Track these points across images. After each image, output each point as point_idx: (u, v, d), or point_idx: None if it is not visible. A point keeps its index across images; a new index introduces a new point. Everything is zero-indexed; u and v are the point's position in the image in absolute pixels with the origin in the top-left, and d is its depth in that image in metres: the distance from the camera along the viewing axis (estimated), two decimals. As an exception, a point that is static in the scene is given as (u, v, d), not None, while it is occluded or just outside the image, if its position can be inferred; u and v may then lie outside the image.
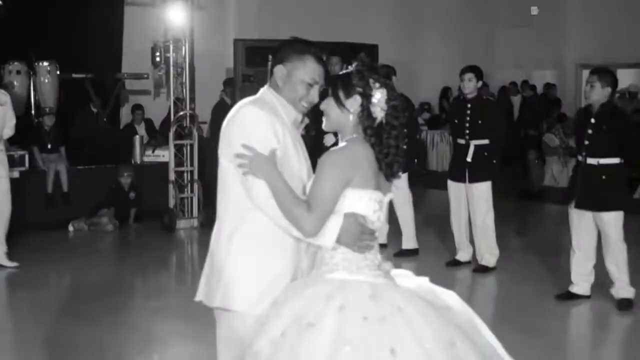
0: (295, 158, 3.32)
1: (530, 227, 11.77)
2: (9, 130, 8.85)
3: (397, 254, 8.94)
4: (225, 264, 3.26)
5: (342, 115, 3.24)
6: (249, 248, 3.24)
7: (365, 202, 3.16)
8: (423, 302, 3.09)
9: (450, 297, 3.26)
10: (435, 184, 13.47)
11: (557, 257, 8.75)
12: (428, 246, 9.47)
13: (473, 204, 8.34)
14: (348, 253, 3.15)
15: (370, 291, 3.03)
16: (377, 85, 3.16)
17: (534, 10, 19.91)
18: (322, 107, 3.32)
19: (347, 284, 3.07)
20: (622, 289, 7.01)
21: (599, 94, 6.83)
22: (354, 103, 3.19)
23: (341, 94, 3.22)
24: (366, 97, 3.16)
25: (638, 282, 7.10)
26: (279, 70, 3.37)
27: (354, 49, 11.39)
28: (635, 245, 7.19)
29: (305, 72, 3.32)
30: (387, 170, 3.17)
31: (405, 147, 3.23)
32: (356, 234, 3.13)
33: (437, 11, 18.79)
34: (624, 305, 6.98)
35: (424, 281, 3.32)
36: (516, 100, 18.09)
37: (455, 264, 8.56)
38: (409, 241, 9.09)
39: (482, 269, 8.34)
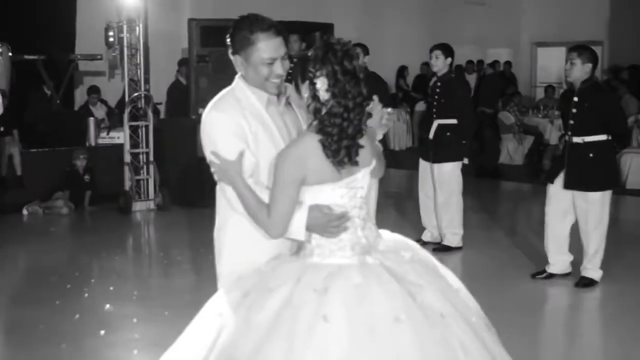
0: (271, 141, 3.28)
1: (489, 204, 11.86)
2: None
3: None
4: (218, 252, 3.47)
5: (301, 102, 3.21)
6: (237, 238, 3.35)
7: (326, 193, 3.16)
8: (391, 279, 3.07)
9: (449, 274, 3.37)
10: (394, 163, 13.50)
11: (520, 234, 8.82)
12: (386, 224, 9.46)
13: (436, 182, 8.30)
14: (320, 239, 3.17)
15: (330, 270, 3.06)
16: (319, 72, 3.10)
17: (489, -12, 20.01)
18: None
19: (313, 266, 3.12)
20: (592, 269, 7.01)
21: (579, 70, 6.76)
22: (306, 89, 3.16)
23: (298, 79, 3.19)
24: (311, 83, 3.13)
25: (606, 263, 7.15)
26: (236, 60, 3.34)
27: (310, 28, 11.37)
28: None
29: (259, 53, 3.27)
30: (335, 157, 3.11)
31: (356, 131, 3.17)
32: (323, 223, 3.14)
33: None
34: (585, 283, 7.00)
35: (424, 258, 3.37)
36: (471, 78, 18.18)
37: (421, 244, 8.51)
38: None
39: (444, 249, 8.29)
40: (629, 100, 15.17)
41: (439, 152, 8.20)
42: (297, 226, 3.14)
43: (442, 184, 8.26)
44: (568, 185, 6.90)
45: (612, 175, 7.07)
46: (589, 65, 6.77)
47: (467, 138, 8.28)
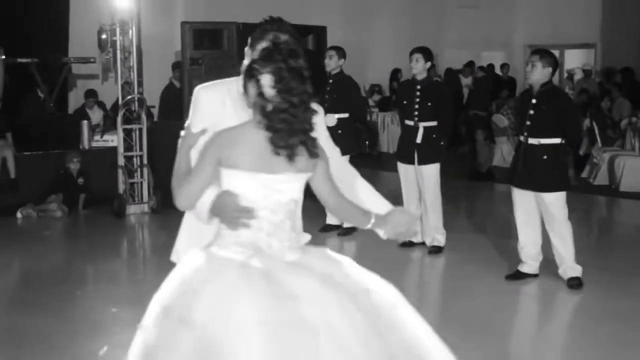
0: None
1: (479, 207, 11.89)
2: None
3: (323, 229, 9.12)
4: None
5: (248, 98, 3.25)
6: (191, 218, 3.59)
7: (241, 182, 3.19)
8: (267, 281, 3.05)
9: (372, 280, 3.25)
10: (387, 166, 13.53)
11: (507, 236, 8.84)
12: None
13: (423, 185, 8.36)
14: (222, 229, 3.24)
15: (205, 259, 3.17)
16: (265, 70, 3.16)
17: (482, -9, 20.05)
18: None
19: (207, 258, 3.19)
20: (570, 267, 7.09)
21: (539, 73, 6.90)
22: (252, 87, 3.20)
23: (246, 77, 3.24)
24: (256, 80, 3.18)
25: (583, 261, 7.19)
26: (246, 54, 3.57)
27: (302, 31, 11.37)
28: (582, 224, 7.27)
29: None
30: (281, 152, 3.15)
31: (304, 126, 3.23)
32: (227, 211, 3.18)
33: (385, -7, 18.81)
34: (575, 284, 7.05)
35: (339, 264, 3.28)
36: (468, 81, 18.22)
37: (410, 245, 8.55)
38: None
39: (436, 250, 8.40)
40: (622, 103, 15.23)
41: (425, 155, 8.26)
42: (202, 204, 3.24)
43: (428, 186, 8.31)
44: (522, 185, 7.04)
45: (564, 178, 7.16)
46: (549, 69, 6.92)
47: (444, 139, 8.41)
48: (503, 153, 14.89)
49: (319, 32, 12.18)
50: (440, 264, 8.29)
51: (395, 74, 18.58)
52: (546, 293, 7.18)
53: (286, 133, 3.14)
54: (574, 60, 19.32)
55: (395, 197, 9.98)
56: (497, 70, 18.78)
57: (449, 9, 20.00)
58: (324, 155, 3.32)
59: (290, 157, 3.16)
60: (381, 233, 3.50)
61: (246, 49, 3.58)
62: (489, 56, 19.80)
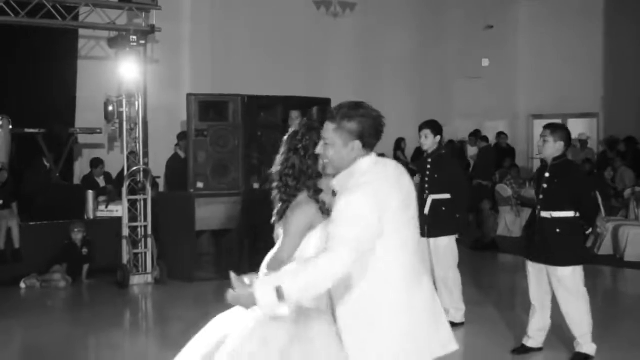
0: None
1: (485, 277, 11.83)
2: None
3: None
4: None
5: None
6: None
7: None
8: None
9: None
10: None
11: (511, 308, 8.79)
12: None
13: (434, 258, 8.29)
14: None
15: None
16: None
17: (485, 62, 20.24)
18: None
19: None
20: (586, 344, 6.96)
21: (551, 147, 6.89)
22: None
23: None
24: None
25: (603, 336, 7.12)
26: None
27: (308, 103, 11.48)
28: (589, 294, 7.19)
29: None
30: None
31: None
32: None
33: (390, 64, 18.98)
34: (581, 359, 6.94)
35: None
36: (473, 150, 18.27)
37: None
38: None
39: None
40: (625, 172, 15.27)
41: (434, 227, 8.21)
42: None
43: (439, 259, 8.25)
44: (536, 258, 6.97)
45: (578, 252, 7.03)
46: (561, 143, 6.89)
47: (461, 212, 8.35)
48: (507, 223, 14.88)
49: (324, 104, 12.22)
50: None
51: (399, 143, 18.66)
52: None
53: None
54: (578, 129, 19.42)
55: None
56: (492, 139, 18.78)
57: (453, 79, 20.17)
58: None
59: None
60: None
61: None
62: (493, 126, 19.90)
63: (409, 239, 3.60)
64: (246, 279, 3.40)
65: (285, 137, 4.00)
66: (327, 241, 3.35)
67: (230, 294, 3.35)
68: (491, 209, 14.60)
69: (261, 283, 3.29)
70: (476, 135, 18.45)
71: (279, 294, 3.21)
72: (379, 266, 3.47)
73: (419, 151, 18.66)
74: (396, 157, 18.63)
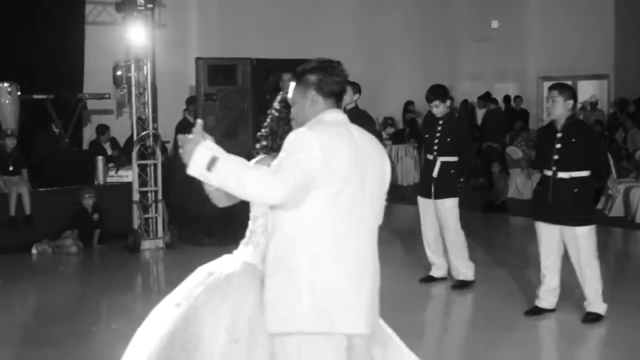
0: None
1: (497, 239, 11.82)
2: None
3: None
4: None
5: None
6: None
7: None
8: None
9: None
10: (401, 199, 13.50)
11: (524, 269, 8.79)
12: (396, 261, 9.44)
13: (441, 219, 8.33)
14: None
15: None
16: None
17: (494, 24, 20.10)
18: None
19: None
20: (594, 303, 6.99)
21: (561, 107, 6.84)
22: None
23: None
24: None
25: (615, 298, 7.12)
26: None
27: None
28: (599, 256, 7.18)
29: None
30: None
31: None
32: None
33: (398, 26, 18.87)
34: (590, 319, 6.98)
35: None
36: (482, 113, 18.21)
37: (430, 280, 8.52)
38: None
39: (461, 285, 8.32)
40: (636, 134, 15.20)
41: (440, 189, 8.25)
42: None
43: (447, 221, 8.28)
44: (555, 220, 6.93)
45: (592, 210, 7.12)
46: (571, 102, 6.87)
47: (464, 175, 8.45)
48: (517, 185, 14.85)
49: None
50: (457, 298, 8.22)
51: (408, 106, 18.62)
52: (565, 328, 7.08)
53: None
54: (588, 91, 19.30)
55: (408, 230, 9.99)
56: (501, 101, 18.74)
57: (462, 41, 20.06)
58: None
59: None
60: None
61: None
62: (503, 88, 19.81)
63: (357, 218, 3.43)
64: (209, 140, 3.38)
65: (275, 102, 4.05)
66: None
67: (182, 136, 3.37)
68: (501, 172, 14.56)
69: (207, 145, 3.31)
70: (485, 98, 18.38)
71: (212, 163, 3.27)
72: (309, 214, 3.37)
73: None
74: (405, 120, 18.60)
